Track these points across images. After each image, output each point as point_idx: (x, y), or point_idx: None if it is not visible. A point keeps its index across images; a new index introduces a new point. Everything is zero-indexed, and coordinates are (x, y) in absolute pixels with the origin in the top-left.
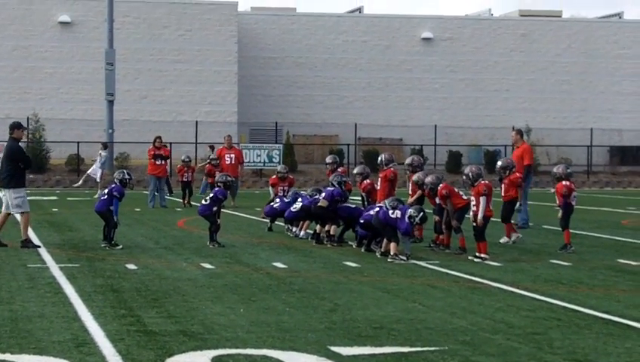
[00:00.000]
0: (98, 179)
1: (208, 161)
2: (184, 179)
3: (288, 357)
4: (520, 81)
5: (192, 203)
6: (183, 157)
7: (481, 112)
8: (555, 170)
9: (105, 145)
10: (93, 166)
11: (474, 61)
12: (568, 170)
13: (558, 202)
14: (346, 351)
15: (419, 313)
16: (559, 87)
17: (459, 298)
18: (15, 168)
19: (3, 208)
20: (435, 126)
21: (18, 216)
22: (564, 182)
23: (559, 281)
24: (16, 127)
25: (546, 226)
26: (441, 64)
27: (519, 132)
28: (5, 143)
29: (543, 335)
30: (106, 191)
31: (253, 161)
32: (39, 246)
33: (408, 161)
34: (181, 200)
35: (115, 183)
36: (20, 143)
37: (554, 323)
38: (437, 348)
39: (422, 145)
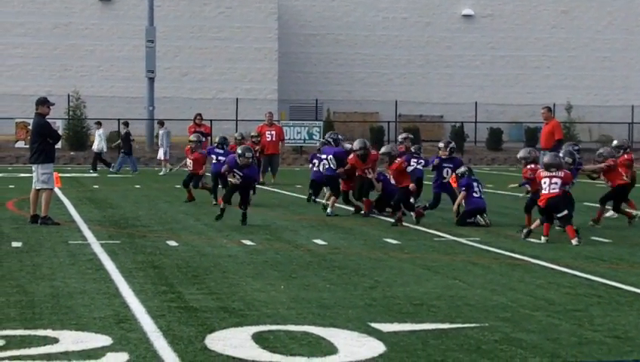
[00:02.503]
0: (161, 156)
1: (250, 138)
2: None
3: (329, 333)
4: (561, 58)
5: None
6: (235, 135)
7: (521, 89)
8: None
9: (99, 123)
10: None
11: (514, 38)
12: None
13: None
14: (386, 327)
15: (459, 290)
16: (600, 64)
17: (499, 275)
18: (44, 143)
19: (33, 184)
20: (476, 103)
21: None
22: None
23: (600, 258)
24: (41, 103)
25: (586, 203)
26: (481, 41)
27: (549, 109)
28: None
29: (583, 312)
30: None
31: (293, 138)
32: (59, 224)
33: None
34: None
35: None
36: (46, 119)
37: (594, 300)
38: (477, 325)
39: (462, 123)
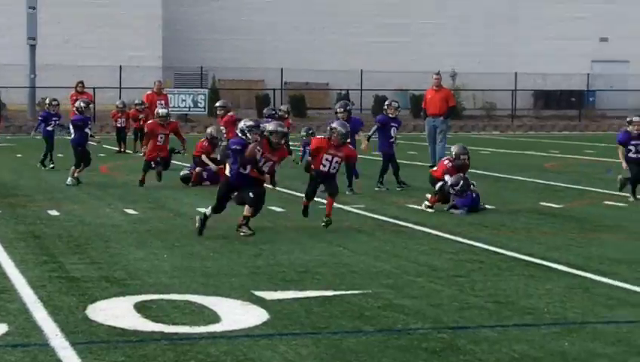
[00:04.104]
0: None
1: (134, 106)
2: (118, 125)
3: (212, 301)
4: (446, 26)
5: (127, 150)
6: (117, 103)
7: (407, 57)
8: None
9: None
10: None
11: (400, 5)
12: None
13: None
14: (269, 295)
15: (343, 257)
16: (484, 32)
17: (383, 242)
18: None
19: None
20: (361, 70)
21: None
22: None
23: (482, 224)
24: None
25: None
26: (367, 8)
27: (441, 75)
28: None
29: (465, 277)
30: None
31: (178, 106)
32: None
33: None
34: (116, 148)
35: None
36: None
37: (476, 265)
38: (360, 292)
39: (348, 90)
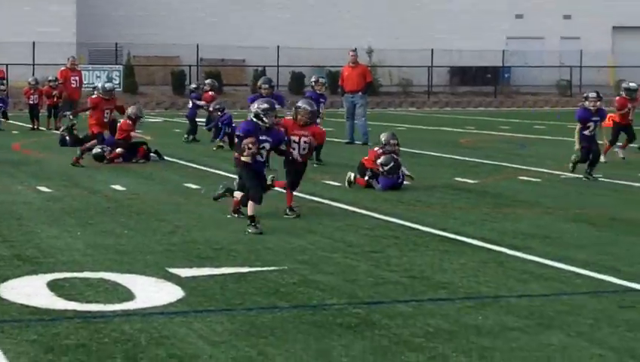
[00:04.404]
0: None
1: (47, 82)
2: (31, 102)
3: (126, 279)
4: (362, 2)
5: (42, 127)
6: (30, 80)
7: (324, 33)
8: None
9: None
10: None
11: None
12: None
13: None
14: (184, 272)
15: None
16: (400, 7)
17: (299, 218)
18: None
19: None
20: (278, 47)
21: None
22: None
23: (398, 200)
24: None
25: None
26: None
27: (357, 52)
28: None
29: (380, 253)
30: None
31: (93, 83)
32: None
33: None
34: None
35: None
36: None
37: (392, 241)
38: (276, 268)
39: (264, 67)
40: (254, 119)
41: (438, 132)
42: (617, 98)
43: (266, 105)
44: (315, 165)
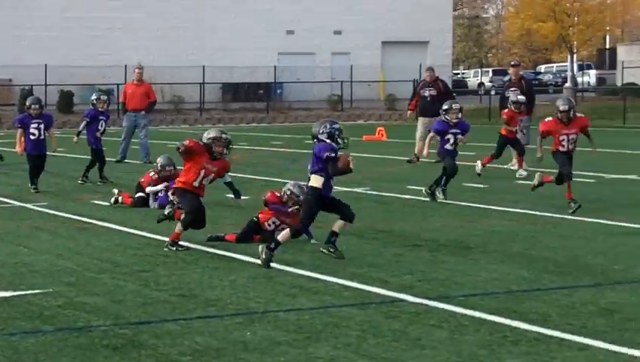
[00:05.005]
0: None
1: None
2: None
3: None
4: (132, 19)
5: None
6: None
7: (93, 51)
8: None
9: None
10: None
11: (85, 1)
12: None
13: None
14: None
15: (24, 256)
16: (172, 25)
17: (66, 239)
18: None
19: None
20: (46, 65)
21: None
22: None
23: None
24: None
25: None
26: (51, 2)
27: (141, 68)
28: None
29: (149, 272)
30: None
31: None
32: None
33: None
34: None
35: None
36: None
37: (161, 259)
38: (41, 291)
39: (32, 85)
40: (328, 140)
41: None
42: (505, 111)
43: (338, 125)
44: (79, 182)
